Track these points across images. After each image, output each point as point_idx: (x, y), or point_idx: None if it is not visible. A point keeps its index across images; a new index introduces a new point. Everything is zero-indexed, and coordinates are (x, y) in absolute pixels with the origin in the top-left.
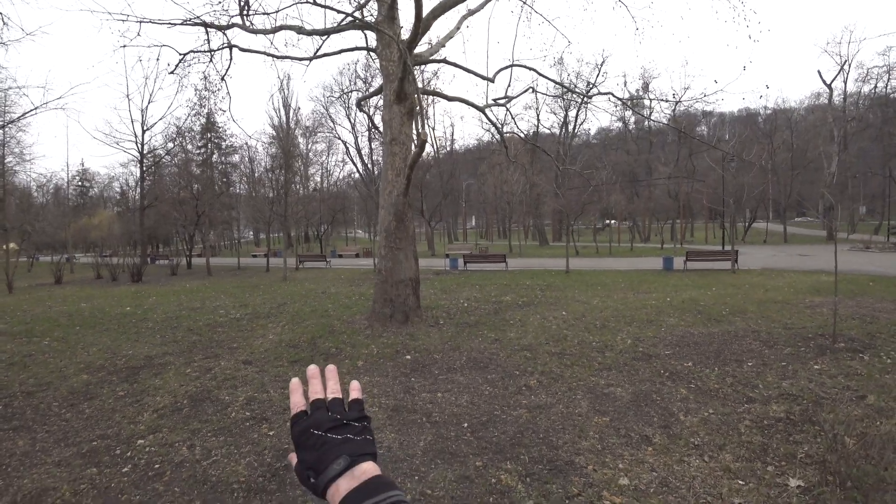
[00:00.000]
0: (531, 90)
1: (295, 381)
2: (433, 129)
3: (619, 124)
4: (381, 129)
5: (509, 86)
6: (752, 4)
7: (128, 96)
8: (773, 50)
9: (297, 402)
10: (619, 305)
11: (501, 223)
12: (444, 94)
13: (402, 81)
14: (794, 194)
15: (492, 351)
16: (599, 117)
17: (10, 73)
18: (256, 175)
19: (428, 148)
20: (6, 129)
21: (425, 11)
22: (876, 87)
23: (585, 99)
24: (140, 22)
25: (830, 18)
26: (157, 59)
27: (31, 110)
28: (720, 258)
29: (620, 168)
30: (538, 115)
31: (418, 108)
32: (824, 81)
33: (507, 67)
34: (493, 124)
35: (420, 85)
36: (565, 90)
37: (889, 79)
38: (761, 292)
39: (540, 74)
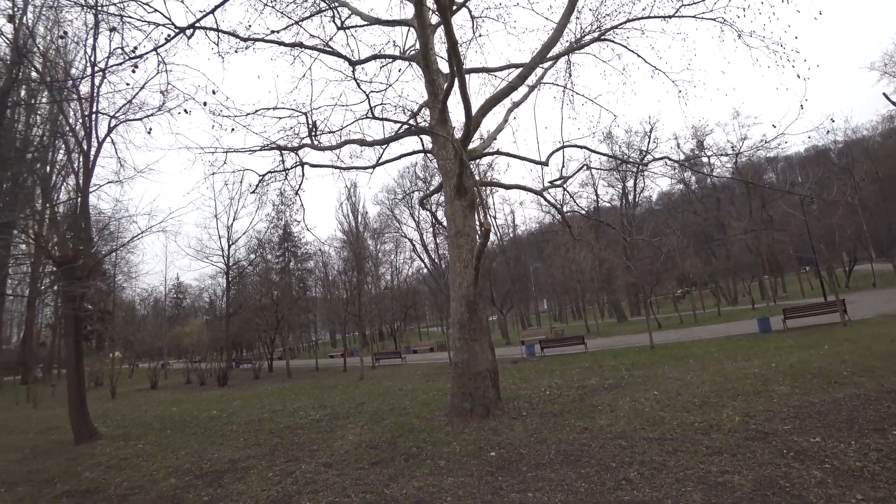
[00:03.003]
0: (585, 167)
1: None
2: (494, 217)
3: (681, 186)
4: (445, 223)
5: (563, 166)
6: (793, 44)
7: (216, 216)
8: (829, 81)
9: None
10: (717, 378)
11: (574, 303)
12: (502, 183)
13: (460, 177)
14: (894, 227)
15: (582, 442)
16: (658, 182)
17: (124, 205)
18: (330, 278)
19: (492, 237)
20: (118, 253)
21: (474, 110)
22: None
23: (641, 167)
24: (226, 152)
25: (878, 36)
26: (241, 182)
27: (139, 234)
28: (824, 311)
29: (691, 230)
30: (596, 191)
31: (479, 199)
32: (893, 102)
33: (558, 150)
34: (553, 206)
35: (477, 177)
36: (619, 162)
37: None
38: (886, 344)
39: (591, 151)
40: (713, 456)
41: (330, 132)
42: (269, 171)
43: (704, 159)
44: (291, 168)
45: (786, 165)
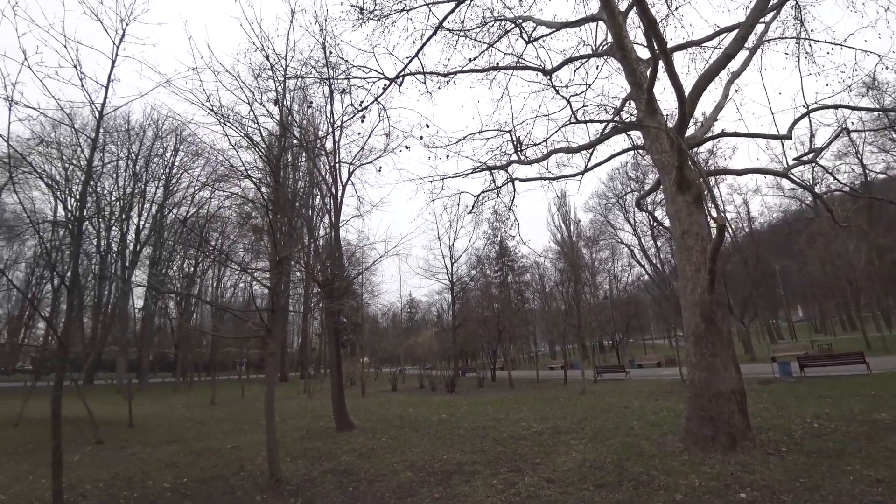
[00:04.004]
0: (843, 132)
1: None
2: (724, 212)
3: None
4: (668, 224)
5: (811, 137)
6: None
7: (438, 237)
8: None
9: None
10: None
11: (843, 310)
12: (731, 169)
13: (680, 169)
14: None
15: (875, 498)
16: None
17: (365, 235)
18: (547, 290)
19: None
20: (363, 275)
21: (686, 91)
22: None
23: None
24: (442, 179)
25: None
26: (457, 204)
27: (378, 259)
28: None
29: None
30: (861, 160)
31: (705, 192)
32: None
33: (802, 117)
34: (802, 186)
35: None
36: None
37: None
38: None
39: (851, 108)
40: None
41: (534, 144)
42: (483, 191)
43: None
44: (502, 185)
45: None
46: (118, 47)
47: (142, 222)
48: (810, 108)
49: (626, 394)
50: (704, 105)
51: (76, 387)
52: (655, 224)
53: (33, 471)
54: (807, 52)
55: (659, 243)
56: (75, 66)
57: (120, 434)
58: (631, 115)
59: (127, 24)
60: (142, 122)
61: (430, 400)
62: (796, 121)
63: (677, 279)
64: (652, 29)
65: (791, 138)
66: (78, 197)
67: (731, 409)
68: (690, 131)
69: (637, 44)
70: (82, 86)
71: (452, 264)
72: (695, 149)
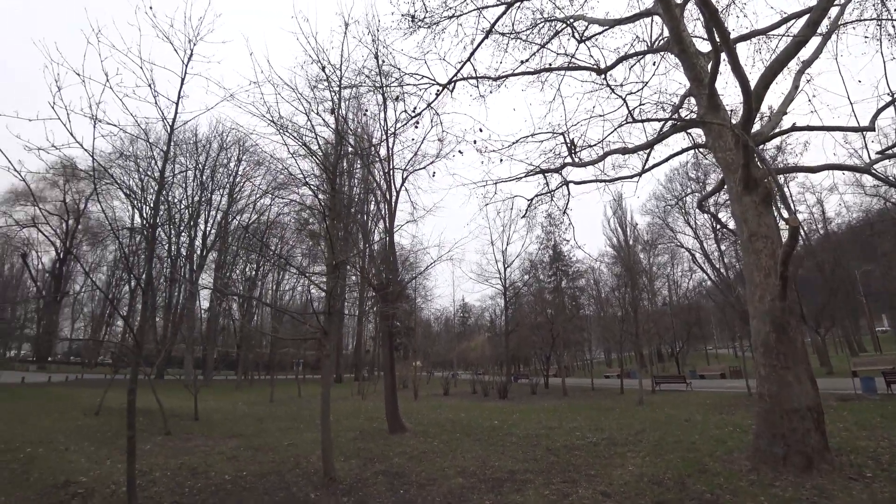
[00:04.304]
0: None
1: None
2: (795, 212)
3: None
4: (733, 226)
5: None
6: None
7: (491, 242)
8: None
9: None
10: None
11: None
12: (804, 166)
13: (746, 168)
14: None
15: None
16: None
17: (419, 240)
18: (603, 296)
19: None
20: (417, 279)
21: (752, 84)
22: None
23: None
24: (496, 183)
25: None
26: (510, 209)
27: (431, 263)
28: None
29: None
30: None
31: (775, 191)
32: None
33: (886, 106)
34: (888, 183)
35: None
36: None
37: None
38: None
39: None
40: None
41: (589, 146)
42: (536, 195)
43: None
44: (556, 189)
45: None
46: (186, 66)
47: (208, 228)
48: (895, 96)
49: (686, 406)
50: (771, 99)
51: (149, 381)
52: (719, 227)
53: (111, 456)
54: (889, 35)
55: (723, 247)
56: (150, 85)
57: (186, 426)
58: (691, 112)
59: (194, 45)
60: (208, 134)
61: (482, 405)
62: (879, 111)
63: (744, 285)
64: (713, 19)
65: (874, 130)
66: (152, 205)
67: (807, 426)
68: (757, 127)
69: (696, 37)
70: (156, 103)
71: (505, 269)
72: (762, 145)
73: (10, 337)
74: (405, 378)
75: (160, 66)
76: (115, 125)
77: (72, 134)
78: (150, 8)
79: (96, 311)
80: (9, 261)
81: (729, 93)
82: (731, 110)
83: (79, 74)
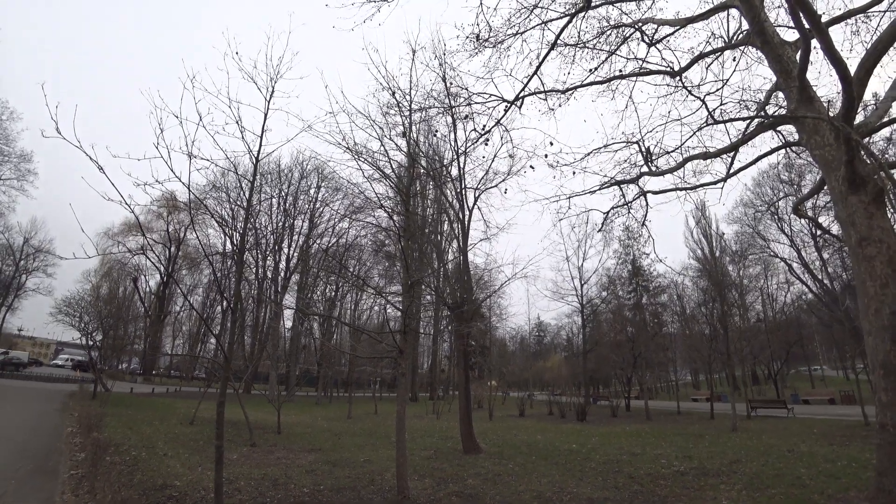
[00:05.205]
0: None
1: None
2: None
3: None
4: (839, 231)
5: None
6: None
7: (566, 258)
8: None
9: None
10: None
11: None
12: None
13: (850, 164)
14: None
15: None
16: None
17: (492, 258)
18: (688, 312)
19: None
20: (491, 298)
21: (851, 71)
22: None
23: None
24: (569, 198)
25: None
26: (586, 223)
27: (506, 282)
28: None
29: None
30: None
31: (888, 188)
32: None
33: None
34: None
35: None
36: None
37: None
38: None
39: None
40: None
41: (666, 153)
42: (612, 208)
43: None
44: (633, 200)
45: None
46: (269, 102)
47: (291, 252)
48: None
49: (788, 434)
50: (876, 85)
51: (237, 395)
52: (820, 232)
53: (202, 463)
54: None
55: (825, 255)
56: (237, 122)
57: (269, 439)
58: (779, 107)
59: (275, 82)
60: (290, 164)
61: (559, 427)
62: None
63: (854, 297)
64: (799, 3)
65: None
66: (241, 232)
67: None
68: (860, 117)
69: (779, 26)
70: (242, 137)
71: (582, 286)
72: (868, 138)
73: (122, 352)
74: (480, 398)
75: (246, 104)
76: (208, 160)
77: (172, 170)
78: (237, 53)
79: (193, 330)
80: (122, 284)
81: (823, 83)
82: (828, 101)
83: (177, 116)
